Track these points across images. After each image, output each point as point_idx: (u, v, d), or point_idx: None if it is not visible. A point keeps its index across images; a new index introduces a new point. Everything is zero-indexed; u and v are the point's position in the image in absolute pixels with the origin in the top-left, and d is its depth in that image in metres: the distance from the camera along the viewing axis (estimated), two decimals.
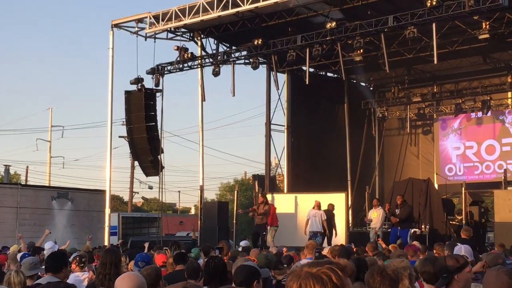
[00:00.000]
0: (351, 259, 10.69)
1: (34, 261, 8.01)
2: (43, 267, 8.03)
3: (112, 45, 27.02)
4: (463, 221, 21.66)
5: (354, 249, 17.21)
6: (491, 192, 23.04)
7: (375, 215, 22.82)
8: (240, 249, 13.71)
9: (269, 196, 25.99)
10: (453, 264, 5.75)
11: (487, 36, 22.81)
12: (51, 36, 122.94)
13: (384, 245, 17.43)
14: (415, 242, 13.53)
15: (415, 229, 22.03)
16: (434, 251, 13.54)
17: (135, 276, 4.95)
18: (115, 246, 17.25)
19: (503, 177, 22.28)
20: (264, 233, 21.28)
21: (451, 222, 23.73)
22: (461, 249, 7.42)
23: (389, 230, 22.44)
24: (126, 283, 4.78)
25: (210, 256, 9.16)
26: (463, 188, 22.64)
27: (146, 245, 16.72)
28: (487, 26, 22.69)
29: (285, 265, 9.99)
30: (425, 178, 26.42)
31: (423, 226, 22.95)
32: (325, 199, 23.31)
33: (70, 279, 8.30)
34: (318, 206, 22.43)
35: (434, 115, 31.71)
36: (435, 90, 31.42)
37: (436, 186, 27.91)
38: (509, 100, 29.61)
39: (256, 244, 20.66)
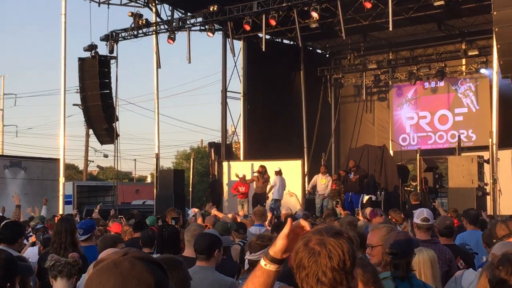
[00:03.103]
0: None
1: None
2: None
3: (64, 11, 26.34)
4: (418, 187, 21.88)
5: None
6: (445, 158, 23.26)
7: (324, 182, 23.01)
8: (189, 218, 13.59)
9: (225, 164, 26.00)
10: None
11: (442, 3, 22.81)
12: (1, 2, 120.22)
13: (343, 212, 17.46)
14: (368, 208, 13.56)
15: (370, 195, 22.21)
16: (389, 217, 13.66)
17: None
18: (70, 215, 17.00)
19: (457, 144, 22.51)
20: (264, 204, 20.63)
21: (406, 188, 23.99)
22: (423, 212, 7.46)
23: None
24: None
25: (162, 225, 9.12)
26: (418, 155, 22.83)
27: (98, 207, 16.50)
28: None
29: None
30: (381, 145, 26.63)
31: (378, 192, 23.15)
32: (282, 166, 23.34)
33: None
34: (279, 172, 22.59)
35: (390, 82, 31.84)
36: (390, 57, 31.54)
37: (391, 152, 28.16)
38: (463, 67, 29.83)
39: None
